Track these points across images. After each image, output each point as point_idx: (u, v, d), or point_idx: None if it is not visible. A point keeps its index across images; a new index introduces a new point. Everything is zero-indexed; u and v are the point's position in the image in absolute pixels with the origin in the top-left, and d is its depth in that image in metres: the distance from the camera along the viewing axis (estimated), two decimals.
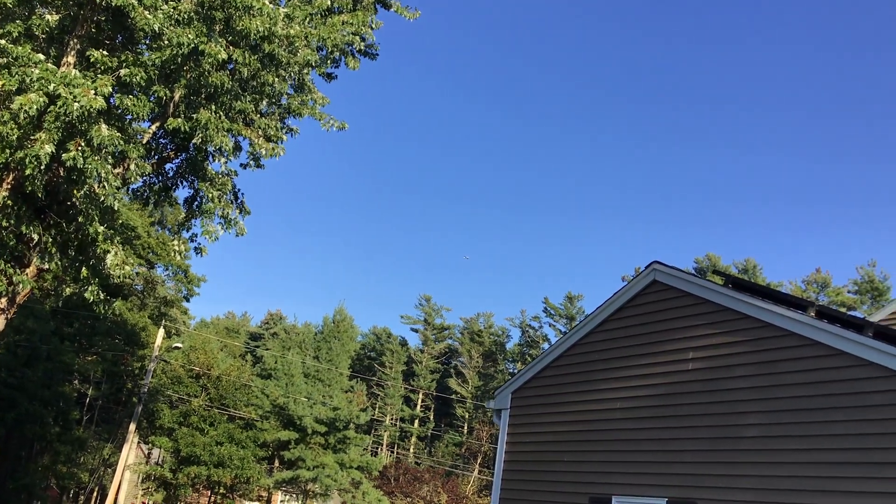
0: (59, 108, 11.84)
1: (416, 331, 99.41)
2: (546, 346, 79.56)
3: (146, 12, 12.96)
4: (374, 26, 19.07)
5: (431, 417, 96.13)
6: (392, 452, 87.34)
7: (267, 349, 65.50)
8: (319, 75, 19.31)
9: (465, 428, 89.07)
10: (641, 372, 12.07)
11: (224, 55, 13.68)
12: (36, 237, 13.91)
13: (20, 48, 12.22)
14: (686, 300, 11.71)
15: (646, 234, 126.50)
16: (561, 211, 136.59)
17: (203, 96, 15.02)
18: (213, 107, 14.97)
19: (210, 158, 16.76)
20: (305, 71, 17.05)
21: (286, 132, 18.51)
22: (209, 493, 47.68)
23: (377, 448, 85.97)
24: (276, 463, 52.58)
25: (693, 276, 11.92)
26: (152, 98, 14.28)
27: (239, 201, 17.92)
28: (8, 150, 12.32)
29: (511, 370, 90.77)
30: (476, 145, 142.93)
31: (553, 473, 13.13)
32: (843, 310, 62.47)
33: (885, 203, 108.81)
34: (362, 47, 18.97)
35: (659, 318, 12.10)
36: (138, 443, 47.16)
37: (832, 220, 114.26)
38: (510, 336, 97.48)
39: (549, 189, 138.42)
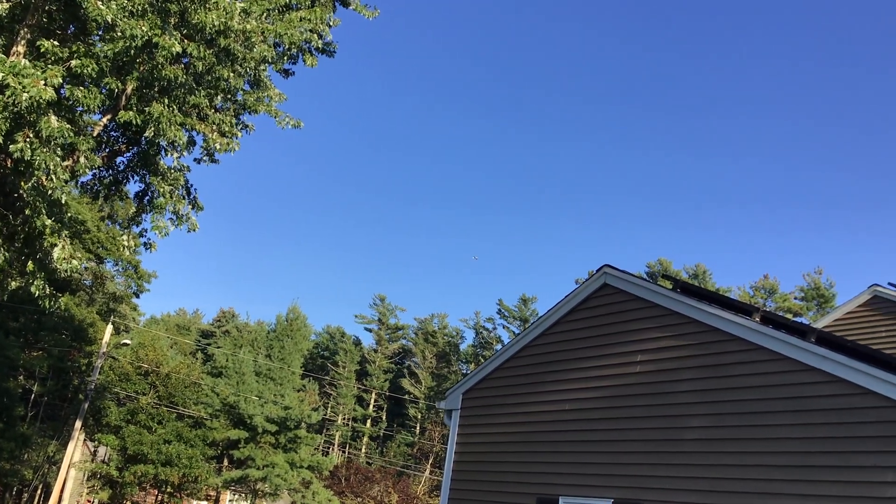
0: (7, 98, 11.62)
1: (370, 330, 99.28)
2: (499, 347, 79.95)
3: (99, 3, 12.76)
4: (332, 24, 19.00)
5: (384, 417, 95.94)
6: (343, 452, 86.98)
7: (218, 347, 64.75)
8: (276, 72, 19.20)
9: (418, 428, 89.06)
10: (590, 374, 12.20)
11: (178, 48, 13.52)
12: None
13: None
14: (635, 304, 11.86)
15: (600, 238, 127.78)
16: (516, 212, 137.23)
17: (156, 89, 14.83)
18: (167, 100, 14.78)
19: (162, 153, 16.55)
20: (262, 67, 16.94)
21: (241, 128, 18.37)
22: (156, 491, 47.03)
23: (328, 448, 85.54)
24: (226, 462, 52.03)
25: (643, 280, 12.09)
26: (104, 90, 14.07)
27: (192, 196, 17.74)
28: None
29: (464, 371, 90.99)
30: (432, 146, 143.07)
31: (502, 474, 13.20)
32: (789, 316, 63.82)
33: (832, 210, 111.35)
34: (320, 45, 18.88)
35: (609, 320, 12.24)
36: (84, 440, 46.29)
37: (781, 227, 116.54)
38: (464, 337, 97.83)
39: (504, 191, 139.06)
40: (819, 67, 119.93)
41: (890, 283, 19.69)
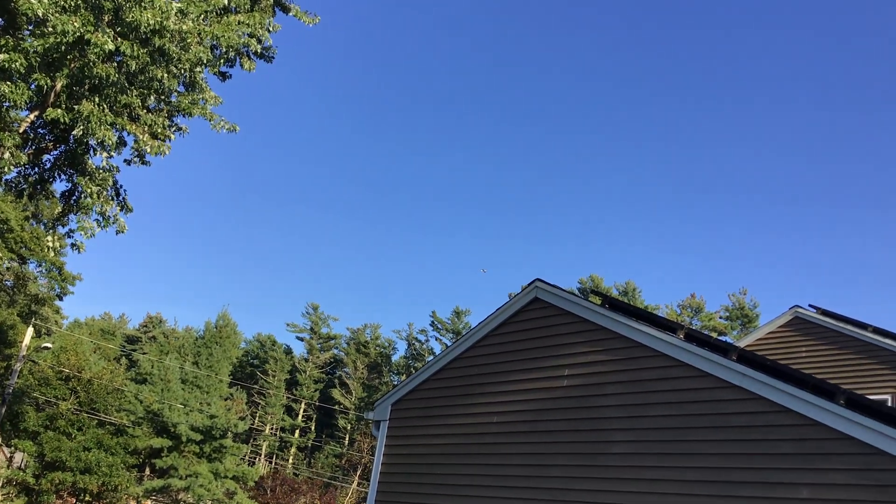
0: None
1: (301, 339, 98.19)
2: (431, 359, 79.96)
3: None
4: (271, 29, 18.88)
5: (313, 428, 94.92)
6: (270, 463, 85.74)
7: (144, 353, 63.40)
8: (213, 74, 18.96)
9: (347, 439, 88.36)
10: (519, 387, 12.29)
11: (111, 46, 13.27)
12: None
13: None
14: (565, 318, 11.99)
15: (535, 252, 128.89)
16: (453, 226, 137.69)
17: (87, 87, 14.53)
18: (97, 99, 14.48)
19: (91, 152, 16.21)
20: (198, 69, 16.70)
21: (175, 130, 18.09)
22: (74, 500, 45.67)
23: (255, 458, 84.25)
24: (147, 471, 50.87)
25: (572, 295, 12.22)
26: (32, 86, 13.73)
27: (121, 198, 17.40)
28: None
29: (395, 382, 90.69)
30: (368, 160, 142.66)
31: (428, 486, 13.17)
32: (714, 335, 65.32)
33: (758, 234, 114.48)
34: (259, 49, 18.72)
35: (538, 334, 12.35)
36: (0, 446, 44.77)
37: (708, 249, 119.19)
38: (396, 348, 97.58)
39: (440, 205, 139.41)
40: (743, 91, 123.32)
41: (811, 306, 20.36)
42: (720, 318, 71.45)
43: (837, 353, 18.88)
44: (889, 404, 17.59)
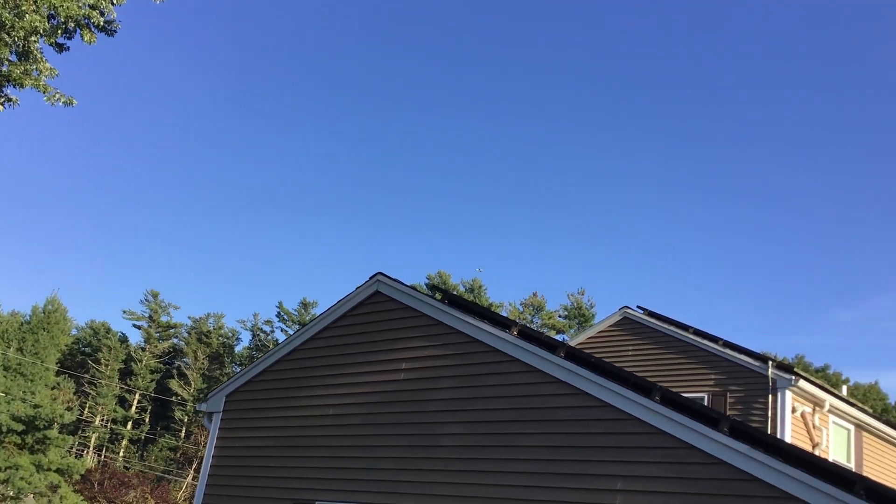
0: None
1: (138, 327, 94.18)
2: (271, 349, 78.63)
3: None
4: (115, 2, 18.12)
5: (147, 420, 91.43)
6: (100, 455, 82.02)
7: None
8: (49, 45, 18.00)
9: (184, 432, 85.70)
10: (355, 380, 12.35)
11: None
12: None
13: None
14: (405, 312, 12.14)
15: (388, 245, 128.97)
16: (306, 213, 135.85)
17: None
18: None
19: None
20: (33, 38, 15.82)
21: (4, 101, 17.06)
22: None
23: (83, 450, 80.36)
24: None
25: (413, 290, 12.39)
26: None
27: None
28: None
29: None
30: (215, 137, 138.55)
31: (260, 479, 13.02)
32: (553, 333, 67.78)
33: (595, 240, 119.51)
34: (101, 22, 17.93)
35: (378, 328, 12.46)
36: None
37: (550, 249, 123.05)
38: (240, 339, 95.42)
39: (291, 191, 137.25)
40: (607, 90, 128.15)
41: (639, 307, 21.49)
42: (559, 317, 74.33)
43: (661, 353, 20.05)
44: (705, 402, 18.83)
